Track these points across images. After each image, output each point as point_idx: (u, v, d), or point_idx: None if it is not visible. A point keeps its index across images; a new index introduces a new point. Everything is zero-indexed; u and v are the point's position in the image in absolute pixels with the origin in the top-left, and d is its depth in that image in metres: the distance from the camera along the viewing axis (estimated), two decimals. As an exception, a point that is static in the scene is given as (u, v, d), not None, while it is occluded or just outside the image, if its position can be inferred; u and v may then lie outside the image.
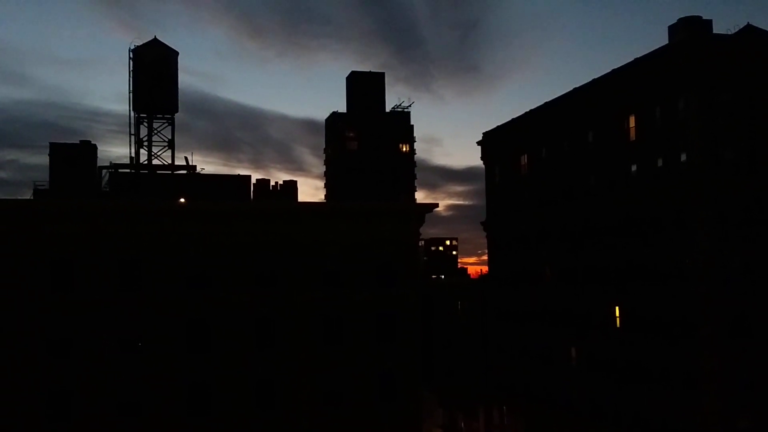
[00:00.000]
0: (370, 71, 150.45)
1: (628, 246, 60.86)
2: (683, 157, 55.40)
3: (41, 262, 43.75)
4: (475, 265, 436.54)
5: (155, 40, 67.56)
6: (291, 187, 63.67)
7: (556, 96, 72.34)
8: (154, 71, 65.91)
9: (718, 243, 53.58)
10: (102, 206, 45.88)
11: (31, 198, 54.42)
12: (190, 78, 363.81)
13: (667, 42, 59.14)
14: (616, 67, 62.48)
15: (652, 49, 58.20)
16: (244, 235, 47.09)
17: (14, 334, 43.21)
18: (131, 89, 66.50)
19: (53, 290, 43.94)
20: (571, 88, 69.28)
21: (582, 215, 67.52)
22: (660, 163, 57.83)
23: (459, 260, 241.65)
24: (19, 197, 56.72)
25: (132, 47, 66.68)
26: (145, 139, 67.90)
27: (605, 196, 64.36)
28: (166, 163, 66.84)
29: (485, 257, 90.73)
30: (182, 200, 49.89)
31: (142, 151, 67.71)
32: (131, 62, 66.63)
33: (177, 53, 67.66)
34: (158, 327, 45.23)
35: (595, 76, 65.54)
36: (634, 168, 60.87)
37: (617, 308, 62.32)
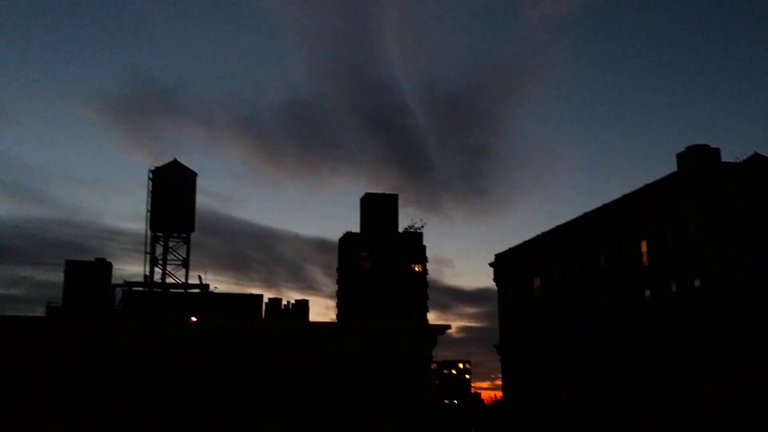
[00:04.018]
0: (383, 193, 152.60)
1: (643, 373, 59.60)
2: (697, 283, 55.15)
3: (51, 378, 43.33)
4: (488, 390, 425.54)
5: (175, 161, 69.41)
6: (302, 305, 63.59)
7: (563, 220, 73.18)
8: (173, 191, 67.33)
9: (733, 370, 52.44)
10: (112, 324, 45.82)
11: (44, 315, 54.55)
12: (204, 198, 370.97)
13: (675, 169, 60.14)
14: (624, 192, 63.45)
15: (660, 176, 59.21)
16: (255, 353, 46.60)
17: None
18: (149, 208, 67.70)
19: (59, 407, 43.26)
20: (579, 213, 70.19)
21: (596, 340, 66.58)
22: (674, 288, 57.54)
23: (472, 384, 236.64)
24: (32, 314, 56.92)
25: (152, 168, 68.43)
26: (160, 257, 68.50)
27: (619, 320, 63.68)
28: (179, 282, 67.16)
29: (499, 382, 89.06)
30: (194, 318, 49.76)
31: (156, 269, 68.19)
32: (150, 182, 68.17)
33: (195, 174, 69.37)
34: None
35: (603, 202, 66.52)
36: (647, 293, 60.52)
37: (635, 437, 60.38)
